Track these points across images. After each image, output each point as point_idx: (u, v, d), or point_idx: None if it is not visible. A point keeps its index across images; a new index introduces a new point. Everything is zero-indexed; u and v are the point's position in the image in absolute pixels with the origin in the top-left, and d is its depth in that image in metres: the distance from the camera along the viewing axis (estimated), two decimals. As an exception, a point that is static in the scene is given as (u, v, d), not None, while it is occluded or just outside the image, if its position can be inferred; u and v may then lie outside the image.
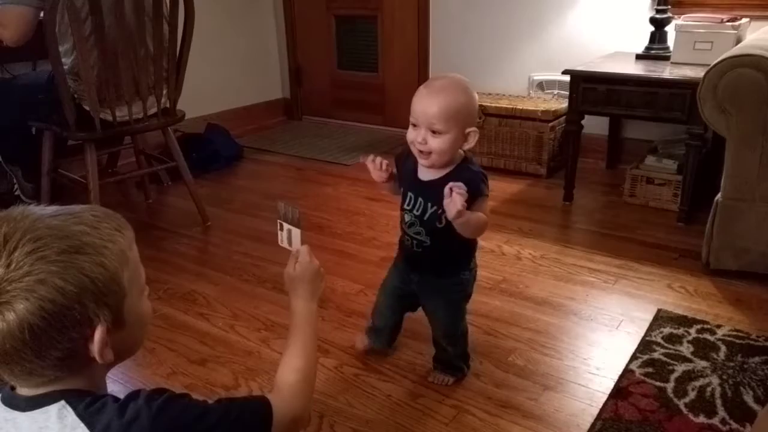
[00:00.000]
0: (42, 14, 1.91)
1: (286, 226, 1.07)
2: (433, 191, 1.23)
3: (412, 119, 1.23)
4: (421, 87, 1.23)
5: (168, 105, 2.28)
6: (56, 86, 1.98)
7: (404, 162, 1.33)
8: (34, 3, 1.88)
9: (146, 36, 2.09)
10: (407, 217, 1.31)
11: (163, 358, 1.58)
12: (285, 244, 1.08)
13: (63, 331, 0.65)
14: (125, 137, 2.68)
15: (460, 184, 1.14)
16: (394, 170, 1.34)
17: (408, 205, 1.31)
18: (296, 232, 1.06)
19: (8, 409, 0.70)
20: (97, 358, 0.69)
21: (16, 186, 2.56)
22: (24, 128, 2.36)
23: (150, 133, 2.54)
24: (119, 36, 2.00)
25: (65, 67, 1.98)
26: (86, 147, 2.13)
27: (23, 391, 0.70)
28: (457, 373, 1.44)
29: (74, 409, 0.67)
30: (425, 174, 1.28)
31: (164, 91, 2.24)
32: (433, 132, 1.19)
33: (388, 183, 1.34)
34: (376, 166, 1.31)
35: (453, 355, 1.43)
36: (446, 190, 1.14)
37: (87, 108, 2.06)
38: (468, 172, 1.24)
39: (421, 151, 1.22)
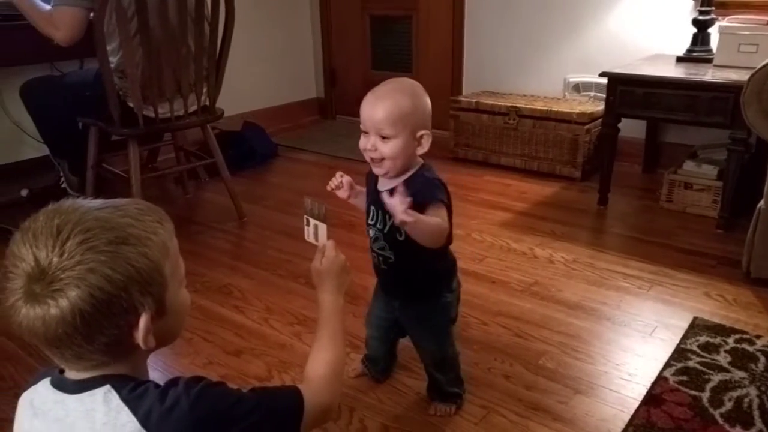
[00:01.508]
0: (92, 14, 1.98)
1: (312, 221, 1.07)
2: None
3: (361, 126, 1.19)
4: (368, 94, 1.19)
5: (208, 103, 2.33)
6: (103, 84, 2.05)
7: (370, 175, 1.28)
8: (85, 4, 1.95)
9: (188, 36, 2.15)
10: (371, 232, 1.26)
11: (200, 349, 1.63)
12: (311, 239, 1.09)
13: (111, 317, 0.68)
14: (165, 134, 2.76)
15: (400, 187, 1.07)
16: (358, 187, 1.30)
17: (371, 219, 1.26)
18: (322, 227, 1.07)
19: (57, 391, 0.73)
20: (141, 344, 0.72)
21: (62, 179, 2.66)
22: (72, 124, 2.45)
23: (189, 129, 2.60)
24: (162, 36, 2.06)
25: (111, 66, 2.05)
26: (129, 142, 2.19)
27: (71, 375, 0.73)
28: (456, 400, 1.38)
29: (119, 393, 0.70)
30: (383, 185, 1.22)
31: (204, 90, 2.29)
32: (383, 138, 1.15)
33: (353, 199, 1.30)
34: (338, 184, 1.27)
35: (445, 383, 1.37)
36: (384, 195, 1.08)
37: (131, 105, 2.12)
38: (421, 178, 1.19)
39: (373, 159, 1.19)
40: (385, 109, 1.15)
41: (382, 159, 1.17)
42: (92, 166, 2.42)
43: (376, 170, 1.21)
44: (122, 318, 0.69)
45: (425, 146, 1.19)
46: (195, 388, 0.72)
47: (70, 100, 2.29)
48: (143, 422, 0.69)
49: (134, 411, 0.69)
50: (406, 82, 1.22)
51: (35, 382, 0.77)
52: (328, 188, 1.28)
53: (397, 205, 1.03)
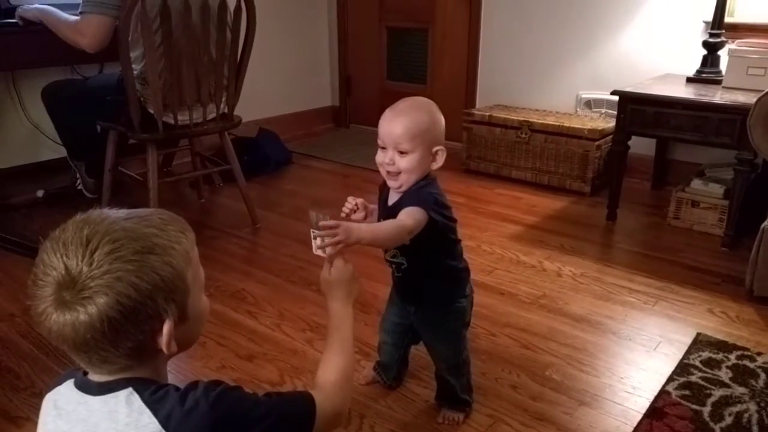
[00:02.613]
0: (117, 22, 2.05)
1: (318, 233, 1.09)
2: (392, 213, 1.22)
3: (379, 142, 1.25)
4: (386, 111, 1.25)
5: (226, 110, 2.39)
6: (124, 89, 2.11)
7: (383, 188, 1.33)
8: (112, 13, 2.01)
9: (210, 44, 2.21)
10: None
11: (213, 353, 1.68)
12: (319, 252, 1.12)
13: (136, 324, 0.72)
14: (181, 139, 2.82)
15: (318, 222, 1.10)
16: (371, 206, 1.33)
17: None
18: (329, 239, 1.11)
19: (81, 392, 0.77)
20: (164, 349, 0.75)
21: (78, 181, 2.72)
22: (91, 127, 2.52)
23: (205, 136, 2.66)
24: (185, 45, 2.12)
25: (135, 73, 2.11)
26: (148, 147, 2.25)
27: (95, 377, 0.77)
28: (466, 408, 1.41)
29: (140, 395, 0.74)
30: (392, 198, 1.28)
31: (224, 97, 2.35)
32: (401, 152, 1.21)
33: (370, 218, 1.32)
34: (352, 207, 1.29)
35: (459, 389, 1.40)
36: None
37: (151, 111, 2.18)
38: (415, 186, 1.23)
39: (389, 173, 1.24)
40: (403, 124, 1.21)
41: (399, 173, 1.23)
42: (110, 170, 2.48)
43: (392, 184, 1.26)
44: (147, 324, 0.73)
45: (440, 161, 1.25)
46: (214, 392, 0.76)
47: (92, 103, 2.35)
48: (164, 423, 0.72)
49: (155, 412, 0.73)
50: (423, 100, 1.28)
51: (58, 383, 0.81)
52: (343, 214, 1.30)
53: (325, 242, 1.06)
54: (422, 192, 1.23)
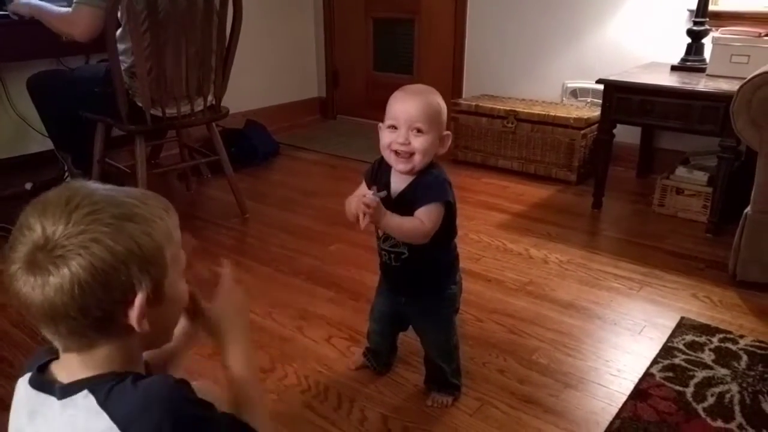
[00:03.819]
0: None
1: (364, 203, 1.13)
2: (403, 201, 1.23)
3: (389, 122, 1.22)
4: (398, 91, 1.23)
5: (214, 102, 2.38)
6: (112, 81, 2.10)
7: (375, 176, 1.31)
8: (103, 5, 2.01)
9: (198, 36, 2.20)
10: (381, 231, 1.29)
11: (204, 340, 1.68)
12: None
13: (108, 290, 0.69)
14: (169, 131, 2.81)
15: (370, 195, 1.14)
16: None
17: None
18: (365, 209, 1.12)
19: (40, 393, 0.73)
20: (135, 324, 0.72)
21: (66, 173, 2.71)
22: (77, 118, 2.50)
23: (193, 127, 2.65)
24: (173, 36, 2.11)
25: (124, 66, 2.10)
26: (136, 139, 2.24)
27: (60, 374, 0.74)
28: (455, 392, 1.43)
29: (96, 397, 0.71)
30: (397, 183, 1.26)
31: (211, 89, 2.35)
32: (417, 131, 1.19)
33: None
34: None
35: (449, 374, 1.41)
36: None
37: (139, 104, 2.17)
38: (429, 176, 1.24)
39: (399, 154, 1.21)
40: (420, 103, 1.21)
41: (412, 154, 1.21)
42: (98, 161, 2.47)
43: (402, 167, 1.23)
44: (119, 292, 0.70)
45: (446, 146, 1.26)
46: (176, 398, 0.72)
47: (78, 94, 2.34)
48: (122, 426, 0.69)
49: (111, 415, 0.70)
50: (429, 87, 1.28)
51: (30, 367, 0.77)
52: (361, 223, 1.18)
53: (361, 212, 1.12)
54: (438, 183, 1.23)
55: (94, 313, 0.70)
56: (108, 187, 0.75)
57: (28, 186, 2.77)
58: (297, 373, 1.54)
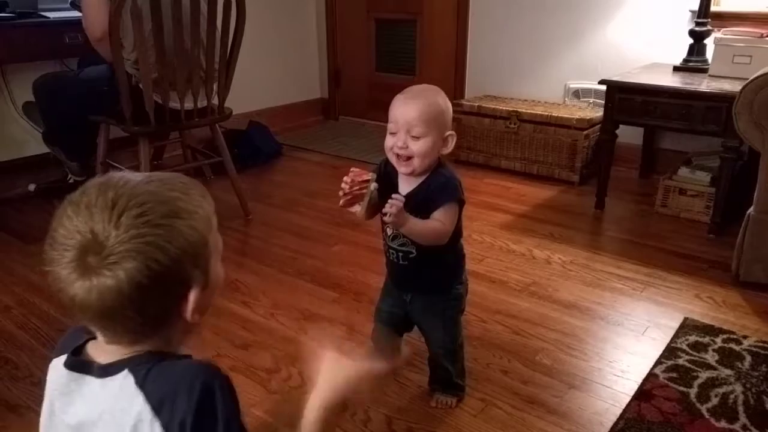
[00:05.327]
0: None
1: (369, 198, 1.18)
2: (414, 201, 1.23)
3: (391, 126, 1.23)
4: (399, 95, 1.25)
5: (217, 102, 2.39)
6: (116, 80, 2.10)
7: (382, 177, 1.30)
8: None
9: (201, 36, 2.21)
10: (390, 230, 1.30)
11: (209, 341, 1.69)
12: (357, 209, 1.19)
13: (165, 289, 0.70)
14: (172, 132, 2.81)
15: (398, 196, 1.18)
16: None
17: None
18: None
19: (79, 374, 0.74)
20: (189, 317, 0.73)
21: (69, 175, 2.71)
22: (80, 119, 2.50)
23: (196, 128, 2.66)
24: (176, 35, 2.12)
25: (129, 60, 2.11)
26: (140, 140, 2.25)
27: (99, 356, 0.75)
28: (459, 393, 1.43)
29: (135, 377, 0.71)
30: (405, 184, 1.27)
31: (214, 89, 2.35)
32: (414, 137, 1.20)
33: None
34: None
35: (453, 374, 1.42)
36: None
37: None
38: (441, 177, 1.25)
39: (399, 157, 1.23)
40: (418, 107, 1.21)
41: (411, 157, 1.22)
42: (102, 163, 2.48)
43: (403, 169, 1.25)
44: (176, 290, 0.71)
45: (450, 146, 1.26)
46: (212, 389, 0.71)
47: (84, 95, 2.34)
48: (156, 408, 0.70)
49: (148, 396, 0.70)
50: (432, 87, 1.29)
51: (65, 349, 0.78)
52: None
53: (390, 211, 1.14)
54: (450, 183, 1.24)
55: (151, 312, 0.71)
56: (147, 177, 0.74)
57: (32, 187, 2.79)
58: (301, 374, 1.54)
